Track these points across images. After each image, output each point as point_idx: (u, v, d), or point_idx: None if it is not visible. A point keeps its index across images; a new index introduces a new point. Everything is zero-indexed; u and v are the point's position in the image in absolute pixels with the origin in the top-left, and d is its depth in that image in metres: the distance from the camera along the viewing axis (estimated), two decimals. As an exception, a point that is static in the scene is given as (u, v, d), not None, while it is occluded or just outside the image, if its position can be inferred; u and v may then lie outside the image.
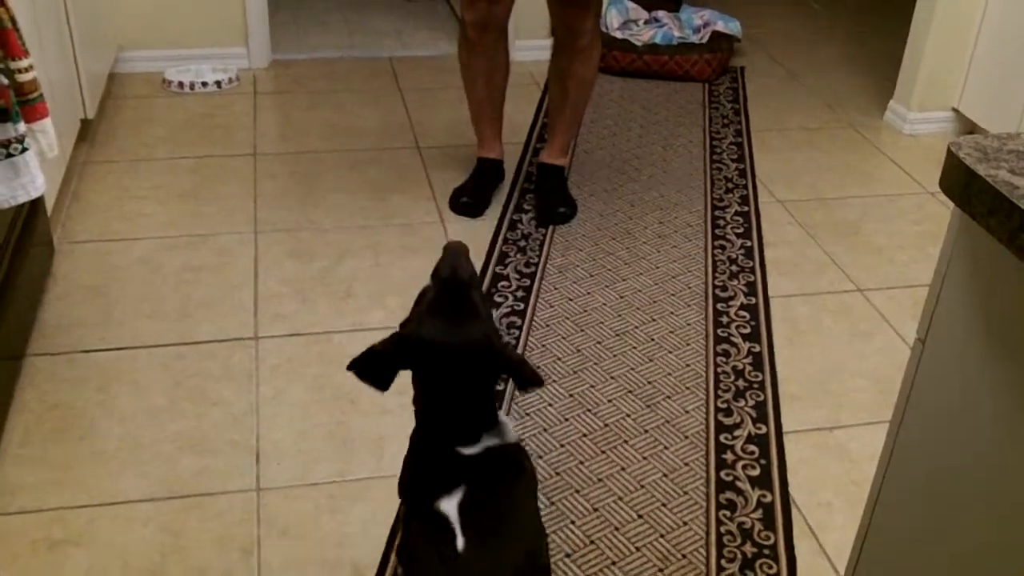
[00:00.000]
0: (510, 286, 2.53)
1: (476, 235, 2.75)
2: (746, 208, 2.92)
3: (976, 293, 1.02)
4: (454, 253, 1.46)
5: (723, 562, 1.80)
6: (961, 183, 0.97)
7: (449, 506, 1.37)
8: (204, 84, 3.50)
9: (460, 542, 1.34)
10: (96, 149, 3.08)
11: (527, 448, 2.03)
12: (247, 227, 2.75)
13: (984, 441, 1.02)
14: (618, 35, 3.81)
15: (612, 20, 3.88)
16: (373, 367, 1.45)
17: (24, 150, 1.89)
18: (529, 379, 1.41)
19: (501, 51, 2.79)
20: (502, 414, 1.50)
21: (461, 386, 1.41)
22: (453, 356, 1.38)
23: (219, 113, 3.38)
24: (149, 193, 2.89)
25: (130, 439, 2.04)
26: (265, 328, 2.36)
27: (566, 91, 2.80)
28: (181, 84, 3.49)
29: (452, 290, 1.41)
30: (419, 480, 1.46)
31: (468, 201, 2.85)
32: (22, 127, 1.89)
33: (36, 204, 2.41)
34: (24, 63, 1.93)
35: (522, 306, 2.45)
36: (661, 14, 3.98)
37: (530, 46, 3.74)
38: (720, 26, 3.88)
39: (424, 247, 2.69)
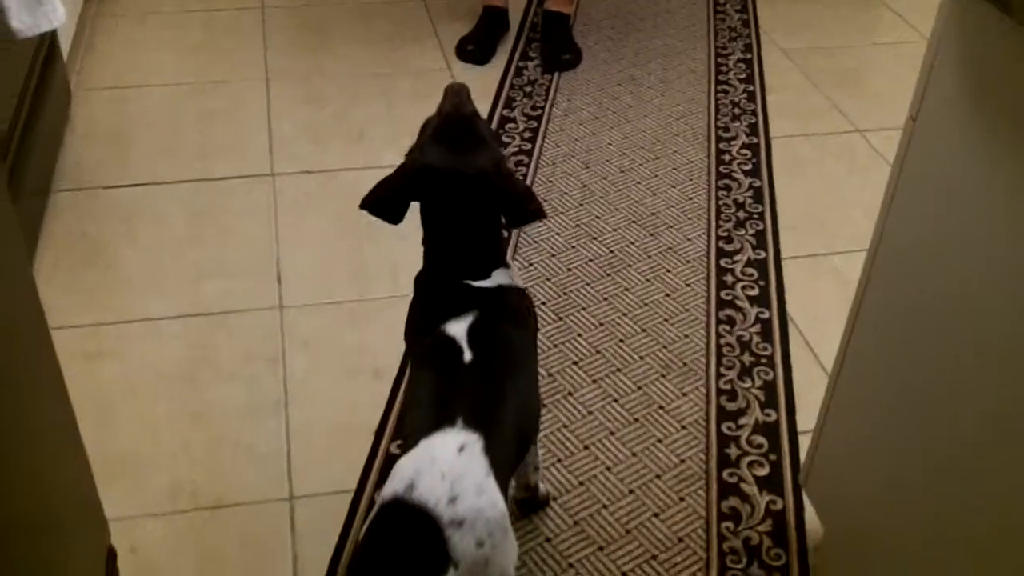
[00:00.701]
0: (517, 127, 2.59)
1: (483, 81, 2.80)
2: (749, 55, 2.96)
3: (966, 61, 1.09)
4: (455, 91, 1.47)
5: (722, 369, 1.91)
6: (950, -55, 1.04)
7: (458, 328, 1.34)
8: (209, -59, 3.50)
9: (467, 355, 1.31)
10: (106, 3, 3.10)
11: (537, 270, 2.12)
12: (259, 74, 2.80)
13: (974, 210, 1.10)
14: None
15: None
16: (384, 201, 1.42)
17: (44, -23, 1.93)
18: (533, 211, 1.38)
19: None
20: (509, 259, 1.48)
21: (468, 215, 1.38)
22: (457, 182, 1.35)
23: (225, -31, 3.39)
24: (160, 44, 2.93)
25: (154, 266, 2.13)
26: (281, 166, 2.44)
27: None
28: (186, -59, 3.49)
29: (455, 121, 1.40)
30: (428, 313, 1.42)
31: (474, 48, 2.89)
32: (42, -47, 1.93)
33: (52, 50, 2.45)
34: None
35: (529, 146, 2.52)
36: None
37: (534, -97, 3.72)
38: None
39: (434, 93, 2.69)
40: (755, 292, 2.09)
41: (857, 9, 3.31)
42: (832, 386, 1.48)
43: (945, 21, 1.13)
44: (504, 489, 1.21)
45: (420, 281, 1.49)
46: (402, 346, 1.93)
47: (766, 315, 2.03)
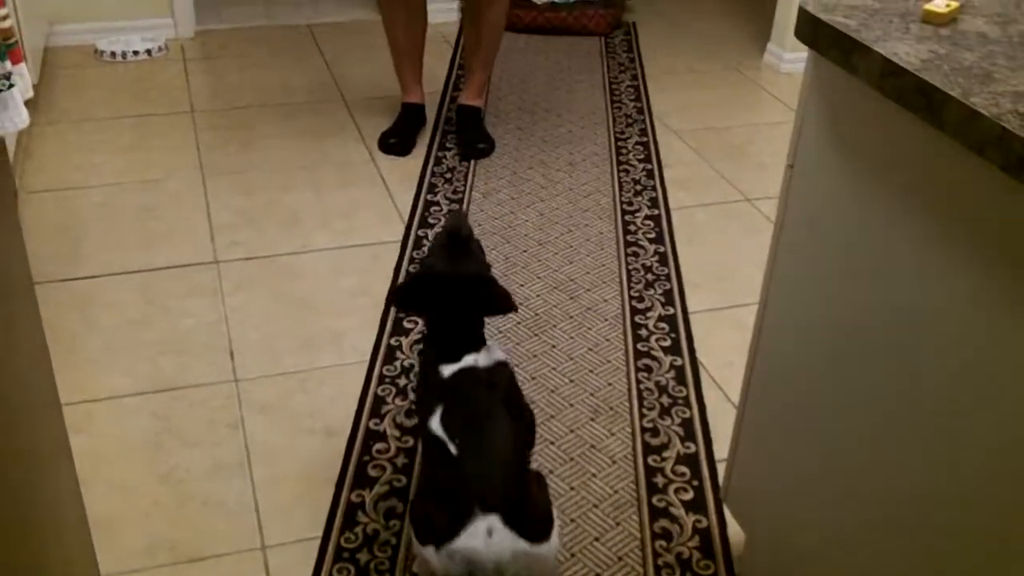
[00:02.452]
0: (441, 209, 2.82)
1: (406, 171, 3.03)
2: (645, 138, 3.26)
3: (826, 116, 1.35)
4: (456, 214, 1.84)
5: (644, 410, 2.12)
6: (810, 28, 1.30)
7: (435, 423, 1.60)
8: (135, 53, 3.69)
9: (452, 448, 1.56)
10: (40, 113, 3.26)
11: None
12: (194, 171, 2.98)
13: (847, 241, 1.35)
14: (522, -4, 4.11)
15: (513, -17, 4.18)
16: (406, 300, 1.81)
17: (11, 86, 2.10)
18: (508, 306, 1.74)
19: (419, 2, 3.08)
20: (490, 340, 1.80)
21: (453, 308, 1.70)
22: (457, 286, 1.70)
23: (153, 78, 3.58)
24: (96, 147, 3.09)
25: (113, 348, 2.27)
26: (223, 253, 2.61)
27: (479, 35, 3.10)
28: (113, 53, 3.67)
29: (454, 239, 1.75)
30: (420, 396, 1.73)
31: (395, 142, 3.12)
32: (8, 65, 2.10)
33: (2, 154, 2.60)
34: (3, 11, 2.15)
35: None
36: (558, -23, 4.30)
37: (440, 8, 4.01)
38: (612, -15, 4.21)
39: (360, 181, 2.96)
40: (668, 343, 2.32)
41: (739, 92, 3.66)
42: (740, 414, 1.71)
43: (808, 80, 1.39)
44: (530, 509, 1.53)
45: (423, 367, 1.77)
46: (351, 407, 2.12)
47: (679, 362, 2.26)
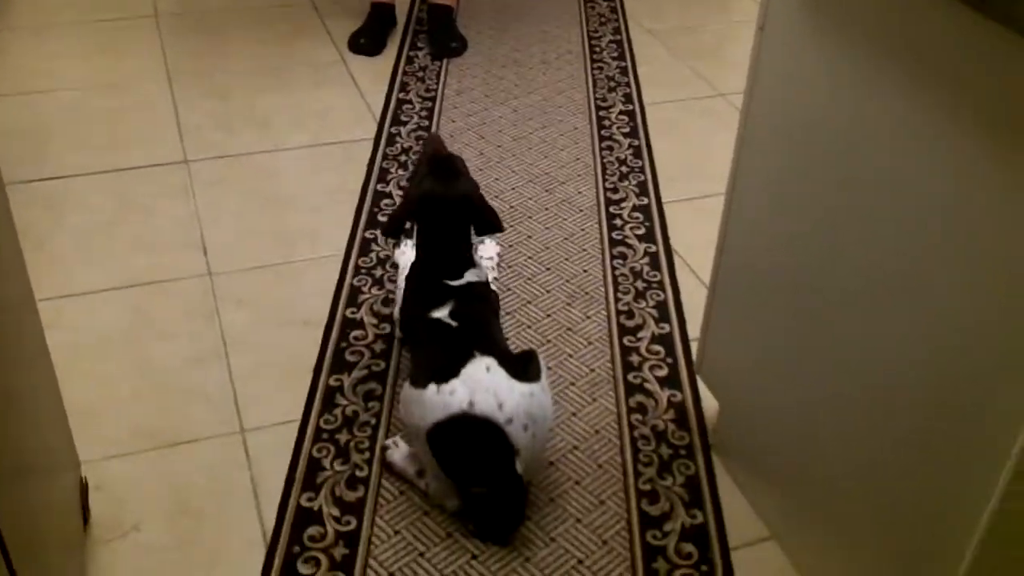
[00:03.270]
0: (414, 107, 2.79)
1: (377, 71, 2.99)
2: (619, 37, 3.23)
3: (797, -27, 1.34)
4: (434, 139, 2.00)
5: (619, 294, 2.13)
6: None
7: (441, 312, 1.75)
8: (95, -42, 3.60)
9: (453, 324, 1.73)
10: (0, 19, 3.19)
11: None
12: (161, 75, 2.93)
13: (817, 101, 1.35)
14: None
15: None
16: (395, 223, 1.89)
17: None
18: (495, 226, 1.87)
19: None
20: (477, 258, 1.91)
21: (451, 229, 1.83)
22: (447, 205, 1.82)
23: (115, -18, 3.51)
24: (60, 52, 3.04)
25: (84, 245, 2.25)
26: (194, 153, 2.58)
27: (450, -67, 3.05)
28: (72, -41, 3.59)
29: (439, 162, 1.88)
30: (418, 304, 1.82)
31: (366, 42, 3.09)
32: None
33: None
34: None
35: (427, 123, 2.72)
36: None
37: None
38: None
39: (331, 82, 2.93)
40: (642, 231, 2.33)
41: (713, -7, 3.63)
42: (712, 288, 1.72)
43: (782, -54, 1.37)
44: (517, 361, 1.64)
45: (410, 280, 1.90)
46: (327, 299, 2.11)
47: (653, 249, 2.27)
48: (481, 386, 1.54)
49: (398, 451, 1.72)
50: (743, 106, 1.55)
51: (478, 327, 1.74)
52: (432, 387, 1.56)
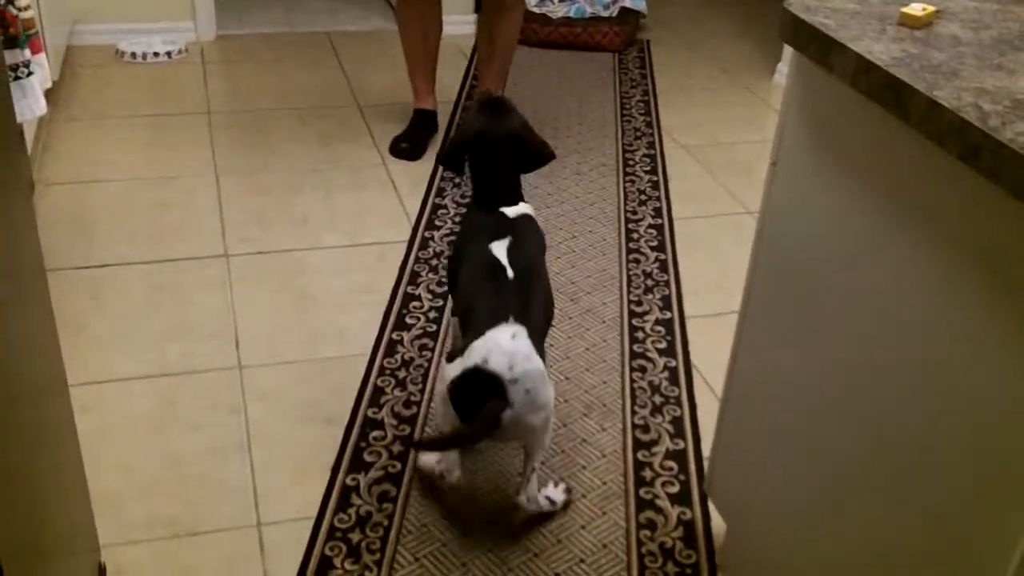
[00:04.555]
0: (449, 212, 2.88)
1: (415, 176, 3.09)
2: (652, 151, 3.32)
3: (807, 114, 1.41)
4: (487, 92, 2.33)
5: (636, 408, 2.17)
6: (792, 27, 1.35)
7: (500, 249, 1.89)
8: (156, 54, 3.78)
9: (510, 273, 1.86)
10: (60, 109, 3.34)
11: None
12: (208, 170, 3.05)
13: (826, 233, 1.40)
14: (536, 10, 4.18)
15: (530, -2, 4.25)
16: (452, 155, 2.09)
17: (30, 74, 2.19)
18: (546, 155, 2.08)
19: (435, 7, 3.17)
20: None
21: (505, 160, 2.01)
22: (500, 137, 2.00)
23: (171, 79, 3.67)
24: (114, 144, 3.17)
25: (121, 333, 2.33)
26: (233, 248, 2.67)
27: (493, 47, 3.17)
28: (134, 54, 3.76)
29: (490, 102, 2.10)
30: (478, 234, 1.97)
31: (407, 147, 3.19)
32: (28, 54, 2.18)
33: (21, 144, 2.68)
34: (24, 2, 2.23)
35: (466, 221, 2.80)
36: (574, -7, 4.37)
37: (457, 20, 4.09)
38: (627, 3, 4.28)
39: (370, 184, 3.03)
40: (663, 345, 2.37)
41: (748, 111, 3.71)
42: (723, 409, 1.76)
43: (791, 78, 1.44)
44: (540, 353, 1.77)
45: (469, 212, 2.10)
46: (351, 397, 2.17)
47: (673, 363, 2.31)
48: (500, 349, 1.71)
49: (425, 457, 1.95)
50: (756, 234, 1.61)
51: (526, 284, 1.87)
52: (458, 359, 1.74)
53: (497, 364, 1.70)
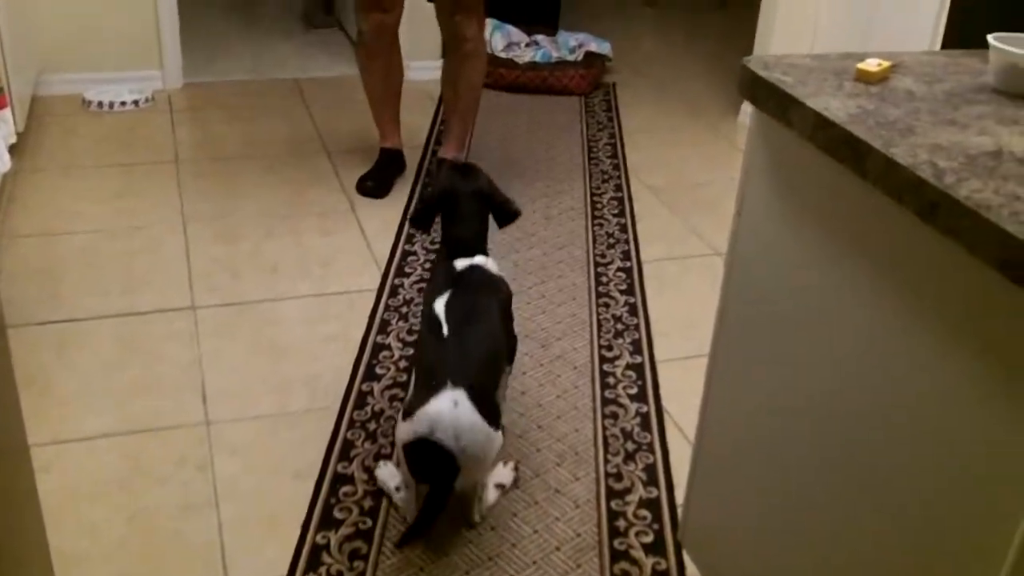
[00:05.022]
0: (418, 259, 2.87)
1: (385, 220, 3.09)
2: (620, 193, 3.33)
3: (768, 167, 1.42)
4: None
5: (608, 456, 2.16)
6: (751, 84, 1.37)
7: (440, 304, 1.97)
8: (123, 103, 3.77)
9: (445, 329, 1.93)
10: (26, 160, 3.32)
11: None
12: (176, 219, 3.04)
13: (785, 279, 1.41)
14: (502, 55, 4.21)
15: (497, 43, 4.29)
16: (421, 215, 2.16)
17: (-7, 131, 2.18)
18: (512, 212, 2.19)
19: (395, 54, 3.22)
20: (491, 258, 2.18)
21: (468, 215, 2.11)
22: (464, 194, 2.11)
23: (139, 128, 3.66)
24: (81, 194, 3.15)
25: (87, 389, 2.31)
26: (201, 299, 2.65)
27: (457, 92, 3.20)
28: (101, 103, 3.75)
29: (456, 166, 2.23)
30: (429, 290, 2.09)
31: (373, 184, 3.23)
32: (-9, 111, 2.17)
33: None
34: (-11, 59, 2.22)
35: (430, 275, 2.80)
36: (540, 37, 4.41)
37: (425, 66, 4.11)
38: (593, 46, 4.33)
39: (340, 231, 3.03)
40: (634, 391, 2.37)
41: (714, 151, 3.75)
42: (695, 458, 1.75)
43: (752, 132, 1.45)
44: (491, 403, 1.88)
45: (435, 263, 2.24)
46: (320, 451, 2.15)
47: (644, 409, 2.31)
48: (443, 421, 1.79)
49: (384, 469, 2.06)
50: (723, 281, 1.61)
51: (463, 338, 1.92)
52: (409, 419, 1.83)
53: (443, 435, 1.79)
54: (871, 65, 1.34)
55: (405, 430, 1.83)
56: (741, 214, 1.51)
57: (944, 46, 3.08)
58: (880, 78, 1.34)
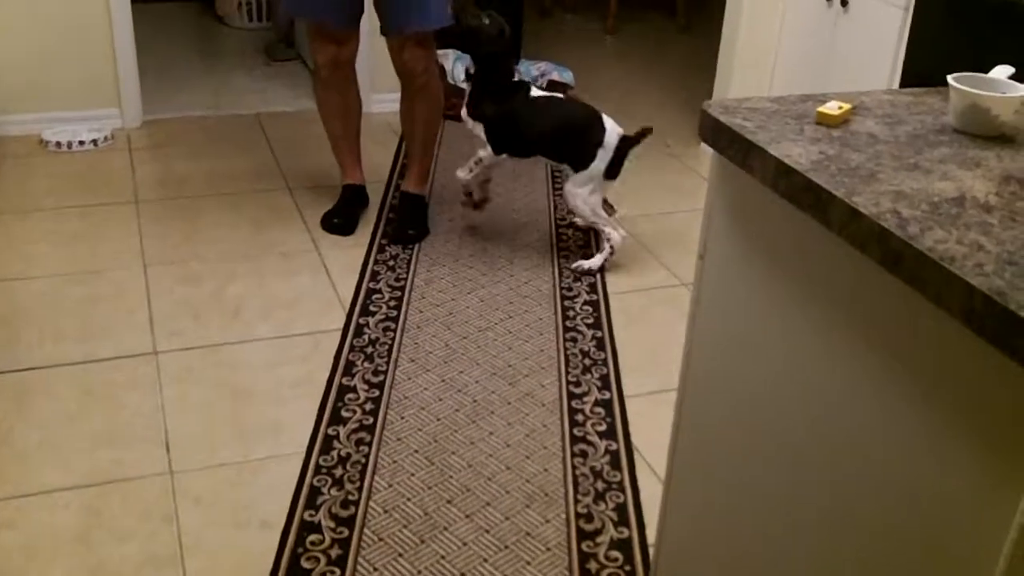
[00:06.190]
0: (383, 297, 2.85)
1: (349, 258, 3.07)
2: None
3: (731, 211, 1.41)
4: None
5: (579, 496, 2.14)
6: (711, 129, 1.36)
7: None
8: (81, 143, 3.73)
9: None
10: (-18, 203, 3.27)
11: (409, 422, 2.34)
12: (136, 261, 2.99)
13: (754, 321, 1.40)
14: (463, 86, 4.20)
15: (458, 73, 4.28)
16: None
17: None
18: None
19: (352, 88, 3.21)
20: None
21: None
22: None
23: (99, 167, 3.61)
24: (40, 237, 3.11)
25: (48, 440, 2.26)
26: (163, 344, 2.61)
27: (414, 125, 3.20)
28: (59, 143, 3.71)
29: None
30: None
31: (339, 221, 3.20)
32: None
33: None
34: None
35: (396, 313, 2.78)
36: (503, 67, 4.41)
37: (387, 99, 4.08)
38: (555, 75, 4.33)
39: (303, 270, 2.99)
40: (603, 427, 2.35)
41: (678, 179, 3.76)
42: (665, 499, 1.74)
43: (714, 176, 1.45)
44: None
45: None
46: (287, 499, 2.11)
47: (614, 447, 2.29)
48: None
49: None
50: (688, 320, 1.60)
51: None
52: None
53: None
54: (832, 108, 1.34)
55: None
56: (704, 257, 1.51)
57: (906, 68, 3.09)
58: (841, 121, 1.34)
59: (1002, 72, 1.38)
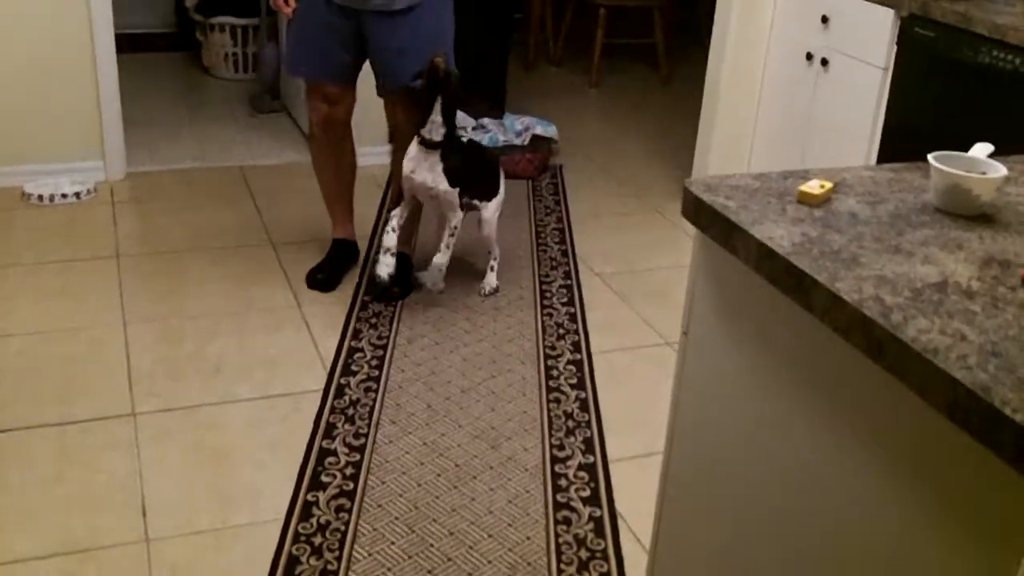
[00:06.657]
0: (365, 356, 2.83)
1: (331, 315, 3.04)
2: (569, 281, 3.32)
3: (714, 290, 1.40)
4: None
5: (562, 565, 2.11)
6: (694, 208, 1.36)
7: None
8: (64, 196, 3.71)
9: None
10: (-39, 258, 3.24)
11: (389, 487, 2.31)
12: (116, 319, 2.96)
13: (732, 400, 1.39)
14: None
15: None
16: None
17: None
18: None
19: (346, 145, 3.22)
20: None
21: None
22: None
23: (81, 221, 3.59)
24: (21, 293, 3.08)
25: (21, 506, 2.22)
26: (141, 405, 2.58)
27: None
28: (41, 196, 3.69)
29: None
30: None
31: (322, 277, 3.19)
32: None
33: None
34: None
35: (377, 373, 2.75)
36: (487, 121, 4.42)
37: (372, 152, 4.09)
38: (539, 130, 4.34)
39: (285, 328, 2.97)
40: (587, 493, 2.33)
41: (661, 236, 3.76)
42: (650, 569, 1.71)
43: (697, 253, 1.44)
44: None
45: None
46: (264, 568, 2.08)
47: (598, 513, 2.26)
48: None
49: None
50: (672, 398, 1.59)
51: None
52: None
53: None
54: (813, 187, 1.34)
55: None
56: (688, 333, 1.49)
57: (886, 124, 3.11)
58: (823, 199, 1.34)
59: (982, 151, 1.39)
